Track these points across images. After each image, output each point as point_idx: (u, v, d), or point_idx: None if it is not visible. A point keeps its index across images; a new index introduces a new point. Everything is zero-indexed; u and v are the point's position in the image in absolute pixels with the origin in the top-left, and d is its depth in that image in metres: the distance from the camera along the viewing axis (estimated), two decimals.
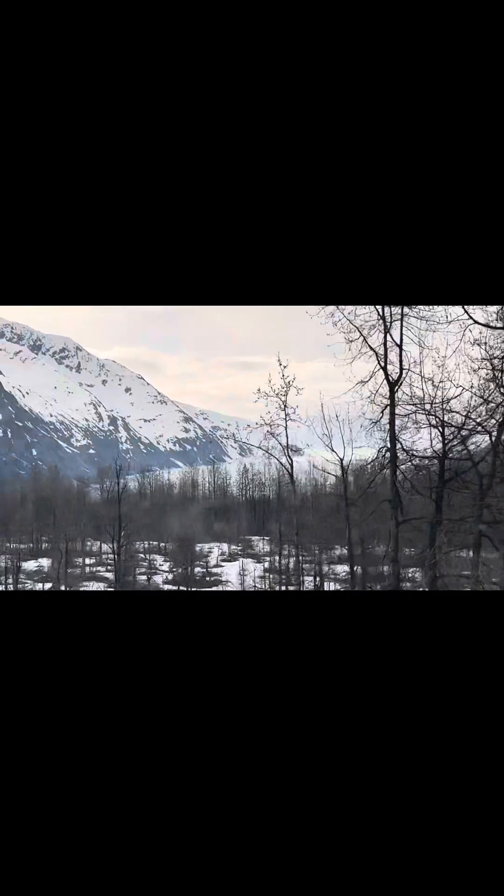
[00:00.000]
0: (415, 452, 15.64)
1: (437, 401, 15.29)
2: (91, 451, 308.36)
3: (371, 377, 15.98)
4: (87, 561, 47.55)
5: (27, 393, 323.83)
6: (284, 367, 20.17)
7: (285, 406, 18.61)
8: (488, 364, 14.69)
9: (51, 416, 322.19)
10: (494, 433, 14.81)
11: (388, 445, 15.49)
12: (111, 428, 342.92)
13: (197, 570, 42.27)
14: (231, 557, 51.76)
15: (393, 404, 15.65)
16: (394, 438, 15.64)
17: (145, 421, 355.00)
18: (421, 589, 17.24)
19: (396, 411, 15.82)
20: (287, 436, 18.06)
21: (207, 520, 59.28)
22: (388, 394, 15.70)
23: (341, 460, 17.00)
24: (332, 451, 16.87)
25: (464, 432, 15.08)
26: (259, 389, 17.26)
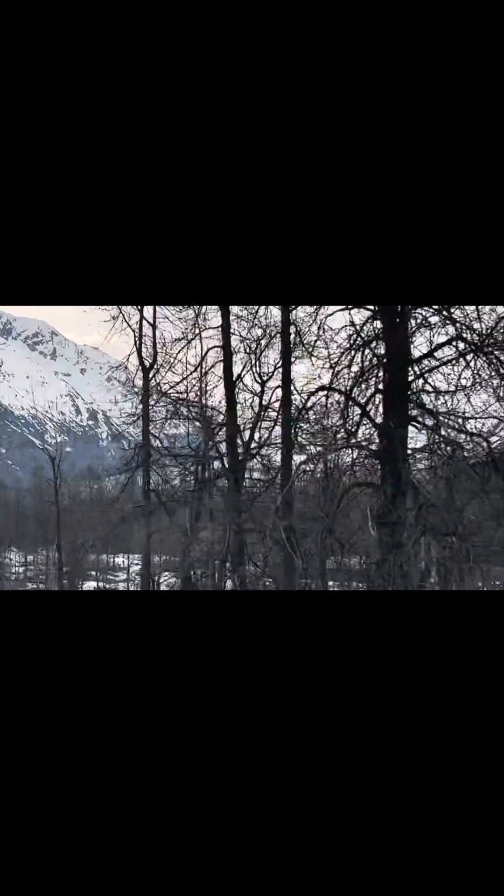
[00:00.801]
0: (170, 451, 15.12)
1: (198, 391, 14.80)
2: (68, 448, 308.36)
3: (127, 360, 15.47)
4: None
5: None
6: None
7: None
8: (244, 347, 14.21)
9: (22, 409, 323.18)
10: (248, 432, 14.31)
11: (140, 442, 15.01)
12: (91, 423, 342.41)
13: (90, 584, 41.80)
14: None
15: (146, 393, 15.13)
16: (147, 433, 15.14)
17: (130, 415, 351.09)
18: None
19: (159, 402, 15.34)
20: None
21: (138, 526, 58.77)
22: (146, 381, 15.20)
23: (53, 459, 16.35)
24: (46, 448, 16.30)
25: (220, 431, 14.56)
26: None
